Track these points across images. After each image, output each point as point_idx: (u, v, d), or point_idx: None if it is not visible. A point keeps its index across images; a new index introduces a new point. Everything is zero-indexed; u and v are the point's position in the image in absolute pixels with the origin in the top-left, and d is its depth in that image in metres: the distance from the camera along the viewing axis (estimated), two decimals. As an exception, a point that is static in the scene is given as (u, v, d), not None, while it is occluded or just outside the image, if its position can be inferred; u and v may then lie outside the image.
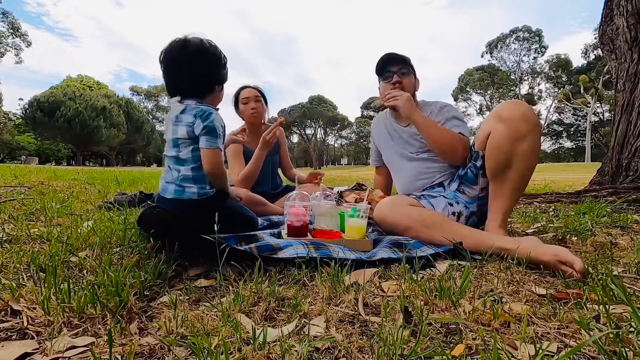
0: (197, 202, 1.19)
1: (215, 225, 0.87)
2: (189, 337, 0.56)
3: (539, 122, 1.15)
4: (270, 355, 0.51)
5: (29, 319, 0.62)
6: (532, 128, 1.12)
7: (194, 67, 1.22)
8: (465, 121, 1.48)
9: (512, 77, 44.54)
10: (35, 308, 0.65)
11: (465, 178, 1.33)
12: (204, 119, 1.16)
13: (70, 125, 30.22)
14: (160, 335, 0.58)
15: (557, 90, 42.46)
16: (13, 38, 31.96)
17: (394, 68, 1.52)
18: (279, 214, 1.78)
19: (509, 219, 1.80)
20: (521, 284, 0.83)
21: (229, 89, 1.49)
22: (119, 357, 0.51)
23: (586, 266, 0.87)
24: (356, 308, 0.69)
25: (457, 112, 1.49)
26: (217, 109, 1.25)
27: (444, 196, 1.34)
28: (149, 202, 2.14)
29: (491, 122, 1.19)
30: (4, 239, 1.12)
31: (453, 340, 0.57)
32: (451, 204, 1.30)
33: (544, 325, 0.62)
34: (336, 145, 64.84)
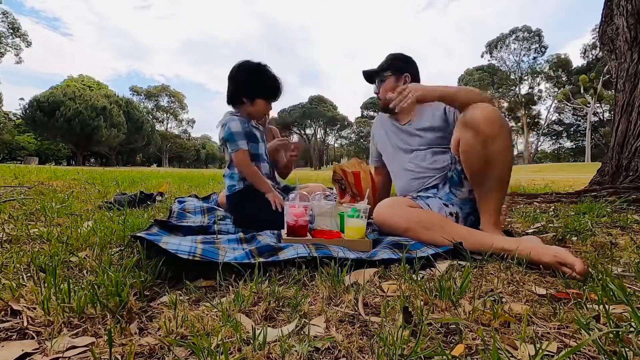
0: (228, 197, 1.55)
1: (215, 226, 0.87)
2: (189, 337, 0.56)
3: (504, 122, 1.13)
4: (270, 355, 0.51)
5: (29, 319, 0.62)
6: (499, 129, 1.10)
7: (230, 80, 1.59)
8: None
9: (512, 77, 44.57)
10: (35, 308, 0.65)
11: (452, 181, 1.34)
12: (223, 129, 1.49)
13: (70, 125, 30.20)
14: (160, 335, 0.58)
15: (557, 90, 42.47)
16: (13, 38, 31.98)
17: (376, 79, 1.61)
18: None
19: (509, 219, 1.80)
20: (521, 284, 0.83)
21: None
22: (119, 357, 0.51)
23: (586, 267, 0.87)
24: (356, 308, 0.69)
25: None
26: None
27: (438, 197, 1.34)
28: (148, 202, 2.14)
29: (459, 130, 1.18)
30: (4, 239, 1.12)
31: (453, 340, 0.57)
32: (447, 205, 1.31)
33: (544, 325, 0.62)
34: (336, 145, 64.84)
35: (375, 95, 1.65)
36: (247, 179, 1.52)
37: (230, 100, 1.61)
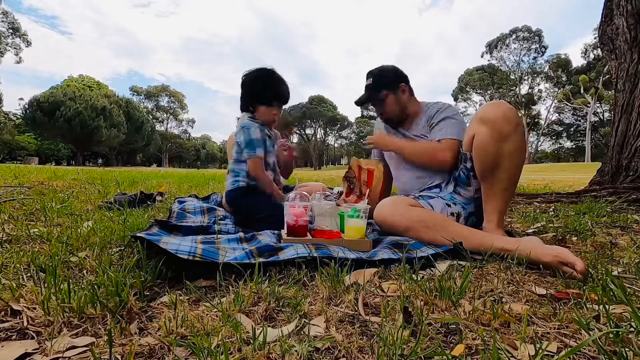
0: (230, 192, 1.61)
1: (215, 226, 0.87)
2: (189, 337, 0.56)
3: (520, 120, 1.15)
4: (270, 355, 0.51)
5: (29, 319, 0.62)
6: (515, 127, 1.12)
7: (243, 87, 1.66)
8: (459, 120, 1.45)
9: (512, 77, 44.53)
10: (35, 308, 0.65)
11: (459, 180, 1.34)
12: (243, 133, 1.57)
13: (70, 125, 30.15)
14: (160, 335, 0.58)
15: (557, 90, 42.44)
16: (13, 38, 32.01)
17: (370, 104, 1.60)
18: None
19: (509, 219, 1.80)
20: (521, 284, 0.83)
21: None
22: (119, 357, 0.51)
23: (587, 266, 0.87)
24: (356, 308, 0.69)
25: (451, 112, 1.47)
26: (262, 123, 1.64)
27: (441, 197, 1.34)
28: (148, 202, 2.14)
29: (474, 124, 1.19)
30: (4, 239, 1.12)
31: (453, 340, 0.57)
32: (449, 205, 1.31)
33: (544, 325, 0.62)
34: (336, 145, 64.83)
35: (379, 116, 1.62)
36: (257, 183, 1.60)
37: (245, 107, 1.68)
